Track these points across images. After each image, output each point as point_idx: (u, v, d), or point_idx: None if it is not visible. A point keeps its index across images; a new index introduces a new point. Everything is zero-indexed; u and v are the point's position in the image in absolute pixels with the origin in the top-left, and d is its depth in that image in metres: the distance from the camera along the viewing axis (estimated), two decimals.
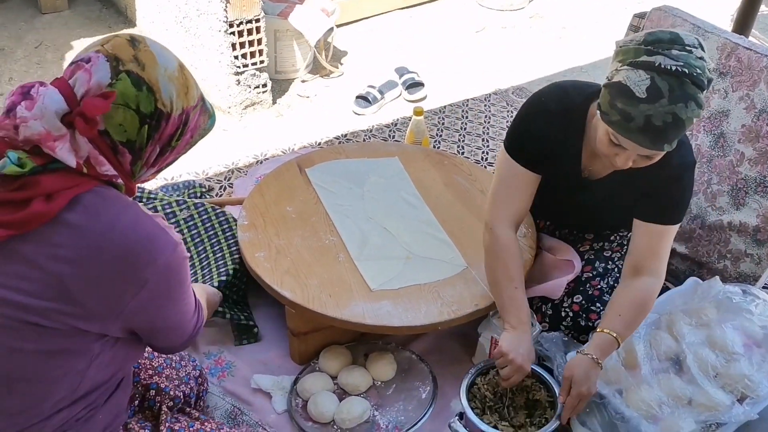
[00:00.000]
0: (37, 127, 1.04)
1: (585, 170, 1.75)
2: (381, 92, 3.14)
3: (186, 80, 1.17)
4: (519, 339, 1.62)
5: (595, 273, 1.85)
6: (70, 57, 3.35)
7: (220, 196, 2.48)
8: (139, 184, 1.26)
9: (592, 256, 1.89)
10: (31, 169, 1.05)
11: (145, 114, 1.10)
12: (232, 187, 2.51)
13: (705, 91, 1.41)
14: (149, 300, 1.14)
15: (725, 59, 1.98)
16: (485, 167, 2.69)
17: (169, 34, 3.22)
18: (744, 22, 2.25)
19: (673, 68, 1.37)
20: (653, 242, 1.66)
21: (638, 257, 1.67)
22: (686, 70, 1.38)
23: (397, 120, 3.01)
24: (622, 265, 1.90)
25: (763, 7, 4.41)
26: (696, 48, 1.42)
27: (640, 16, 2.24)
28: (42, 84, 1.08)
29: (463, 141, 2.90)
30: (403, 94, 3.22)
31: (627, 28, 2.30)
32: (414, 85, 3.22)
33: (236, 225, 1.97)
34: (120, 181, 1.15)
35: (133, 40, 1.13)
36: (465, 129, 2.98)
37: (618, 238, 1.94)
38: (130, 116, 1.09)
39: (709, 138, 2.03)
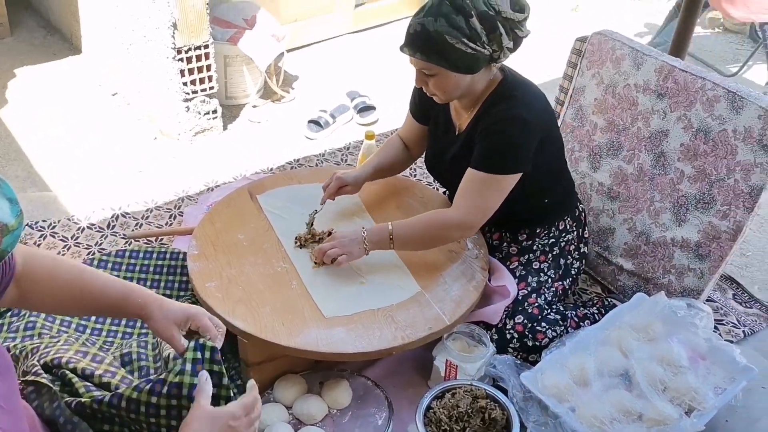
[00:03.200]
0: None
1: (456, 124, 1.93)
2: (333, 116, 3.16)
3: None
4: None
5: (530, 289, 1.90)
6: (13, 85, 3.28)
7: (170, 225, 2.44)
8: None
9: (524, 272, 1.95)
10: None
11: None
12: (182, 216, 2.47)
13: (470, 19, 1.61)
14: None
15: (663, 81, 2.05)
16: (437, 189, 2.72)
17: (115, 61, 3.18)
18: (679, 45, 2.35)
19: None
20: (466, 184, 1.79)
21: (455, 197, 1.83)
22: None
23: (350, 144, 3.02)
24: (553, 274, 1.96)
25: (698, 29, 4.60)
26: None
27: (582, 40, 2.31)
28: None
29: (415, 163, 2.92)
30: (354, 118, 3.25)
31: (570, 52, 2.37)
32: (365, 109, 3.24)
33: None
34: None
35: None
36: None
37: (540, 246, 2.00)
38: None
39: (650, 157, 2.10)
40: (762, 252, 2.64)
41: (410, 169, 2.88)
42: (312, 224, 1.97)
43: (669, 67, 2.05)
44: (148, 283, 1.96)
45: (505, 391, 1.70)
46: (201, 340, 1.30)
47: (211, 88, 2.88)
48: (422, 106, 2.01)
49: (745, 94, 1.89)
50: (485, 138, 1.78)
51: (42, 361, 1.48)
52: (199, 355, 1.28)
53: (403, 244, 1.84)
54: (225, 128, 3.08)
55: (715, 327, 2.11)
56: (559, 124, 2.37)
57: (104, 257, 1.99)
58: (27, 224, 2.29)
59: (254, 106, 3.27)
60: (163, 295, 1.92)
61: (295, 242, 1.96)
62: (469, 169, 1.79)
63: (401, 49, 1.73)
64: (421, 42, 1.66)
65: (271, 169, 2.80)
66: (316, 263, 1.88)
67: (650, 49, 2.13)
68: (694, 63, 4.07)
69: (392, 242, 1.82)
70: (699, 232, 2.01)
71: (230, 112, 3.21)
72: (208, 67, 2.83)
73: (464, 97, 1.83)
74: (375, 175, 2.11)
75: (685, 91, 2.01)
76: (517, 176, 1.78)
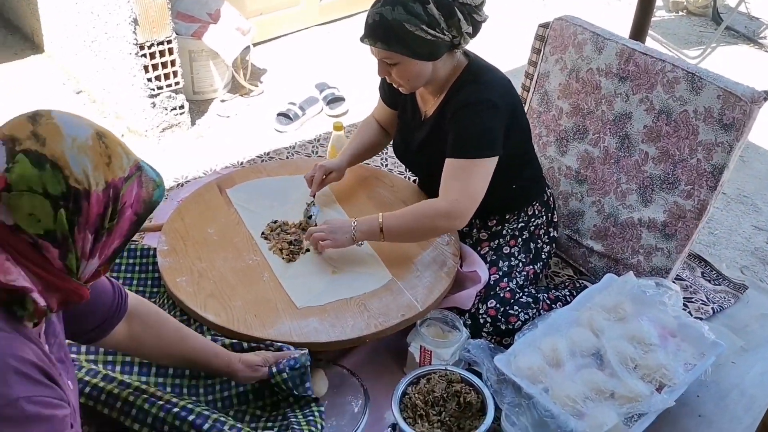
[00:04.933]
0: None
1: (422, 110, 1.95)
2: (302, 108, 3.15)
3: (107, 149, 1.00)
4: None
5: (501, 274, 1.92)
6: None
7: None
8: None
9: (494, 257, 1.97)
10: None
11: (56, 196, 0.94)
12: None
13: (427, 5, 1.63)
14: None
15: (624, 64, 2.07)
16: (407, 178, 2.72)
17: (78, 59, 3.13)
18: (639, 28, 2.37)
19: None
20: (447, 173, 1.79)
21: (440, 188, 1.81)
22: None
23: (320, 136, 3.01)
24: (524, 258, 1.98)
25: (662, 12, 4.66)
26: None
27: (544, 26, 2.32)
28: None
29: (387, 153, 2.92)
30: (324, 110, 3.24)
31: (533, 38, 2.39)
32: (335, 100, 3.24)
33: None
34: (34, 295, 0.96)
35: (36, 116, 0.98)
36: None
37: (510, 231, 2.02)
38: (39, 202, 0.94)
39: (615, 140, 2.13)
40: (729, 230, 2.69)
41: (381, 158, 2.88)
42: (310, 216, 2.00)
43: (629, 51, 2.07)
44: (120, 281, 1.94)
45: (479, 375, 1.72)
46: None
47: (177, 83, 2.85)
48: (391, 92, 2.02)
49: (704, 75, 1.92)
50: (456, 124, 1.77)
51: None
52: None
53: (393, 235, 1.81)
54: (193, 123, 3.05)
55: (685, 305, 2.15)
56: (525, 109, 2.39)
57: None
58: None
59: (222, 101, 3.25)
60: (136, 292, 1.92)
61: (261, 235, 1.95)
62: (447, 158, 1.78)
63: (362, 39, 1.74)
64: (381, 31, 1.67)
65: (241, 163, 2.78)
66: (288, 256, 1.89)
67: (611, 33, 2.16)
68: (660, 46, 4.13)
69: (382, 233, 1.80)
70: (665, 212, 2.04)
71: (198, 107, 3.18)
72: (173, 63, 2.80)
73: (429, 84, 1.84)
74: (357, 159, 2.14)
75: (646, 74, 2.03)
76: (495, 159, 1.78)
